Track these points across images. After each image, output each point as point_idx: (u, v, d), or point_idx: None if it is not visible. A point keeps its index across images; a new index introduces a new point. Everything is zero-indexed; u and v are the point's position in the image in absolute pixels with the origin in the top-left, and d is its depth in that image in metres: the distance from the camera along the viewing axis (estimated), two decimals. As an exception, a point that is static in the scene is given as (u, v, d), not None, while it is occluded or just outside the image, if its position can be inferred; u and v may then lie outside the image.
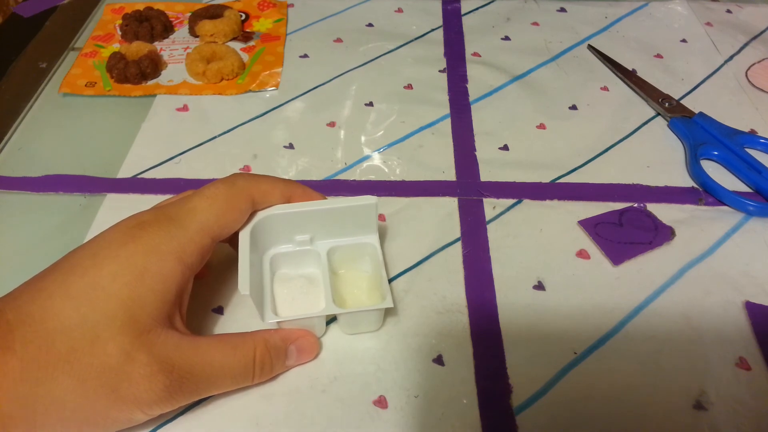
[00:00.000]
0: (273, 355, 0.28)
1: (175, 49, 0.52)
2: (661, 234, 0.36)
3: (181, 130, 0.44)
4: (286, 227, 0.31)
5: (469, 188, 0.39)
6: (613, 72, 0.49)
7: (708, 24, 0.54)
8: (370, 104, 0.46)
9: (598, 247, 0.36)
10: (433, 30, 0.54)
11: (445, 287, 0.34)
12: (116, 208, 0.38)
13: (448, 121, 0.45)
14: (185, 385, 0.26)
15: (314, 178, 0.40)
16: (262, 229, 0.30)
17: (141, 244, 0.26)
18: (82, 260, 0.26)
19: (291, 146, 0.43)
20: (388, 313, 0.32)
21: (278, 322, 0.29)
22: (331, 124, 0.45)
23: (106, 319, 0.24)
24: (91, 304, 0.24)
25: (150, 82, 0.48)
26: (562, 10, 0.56)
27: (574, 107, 0.46)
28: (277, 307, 0.31)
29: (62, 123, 0.45)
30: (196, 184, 0.35)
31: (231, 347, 0.27)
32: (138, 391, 0.24)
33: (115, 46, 0.52)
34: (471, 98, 0.47)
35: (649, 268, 0.35)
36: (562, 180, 0.40)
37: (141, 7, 0.54)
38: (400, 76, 0.49)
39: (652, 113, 0.45)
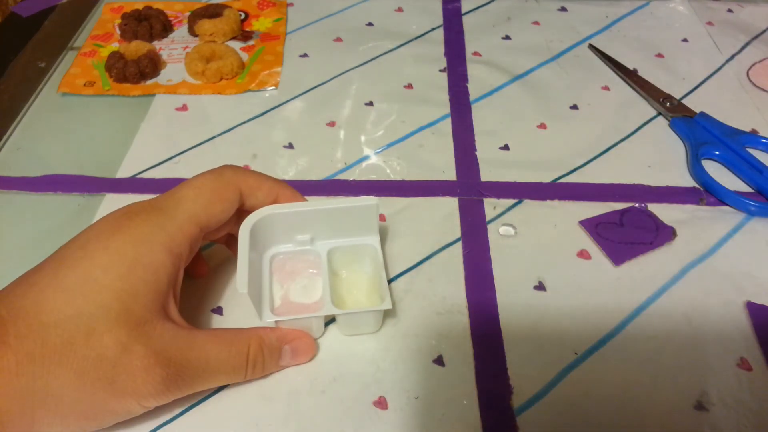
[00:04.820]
0: (266, 353, 0.28)
1: (174, 48, 0.52)
2: (662, 234, 0.36)
3: (180, 129, 0.44)
4: (287, 226, 0.31)
5: (469, 188, 0.39)
6: (614, 71, 0.49)
7: (709, 23, 0.54)
8: (370, 104, 0.46)
9: (599, 248, 0.36)
10: (433, 29, 0.53)
11: (446, 288, 0.34)
12: (115, 208, 0.37)
13: (449, 120, 0.44)
14: (181, 378, 0.25)
15: (314, 178, 0.40)
16: (263, 227, 0.30)
17: (130, 234, 0.26)
18: (72, 252, 0.26)
19: (291, 146, 0.43)
20: (388, 313, 0.32)
21: (276, 322, 0.29)
22: (331, 124, 0.44)
23: (101, 312, 0.24)
24: (85, 297, 0.24)
25: (149, 82, 0.48)
26: (563, 9, 0.56)
27: (575, 107, 0.46)
28: (274, 298, 0.30)
29: (61, 123, 0.45)
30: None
31: (226, 342, 0.27)
32: (136, 384, 0.24)
33: (114, 46, 0.51)
34: (471, 98, 0.46)
35: (650, 268, 0.35)
36: (562, 180, 0.40)
37: (140, 6, 0.54)
38: (400, 76, 0.49)
39: (653, 113, 0.45)
